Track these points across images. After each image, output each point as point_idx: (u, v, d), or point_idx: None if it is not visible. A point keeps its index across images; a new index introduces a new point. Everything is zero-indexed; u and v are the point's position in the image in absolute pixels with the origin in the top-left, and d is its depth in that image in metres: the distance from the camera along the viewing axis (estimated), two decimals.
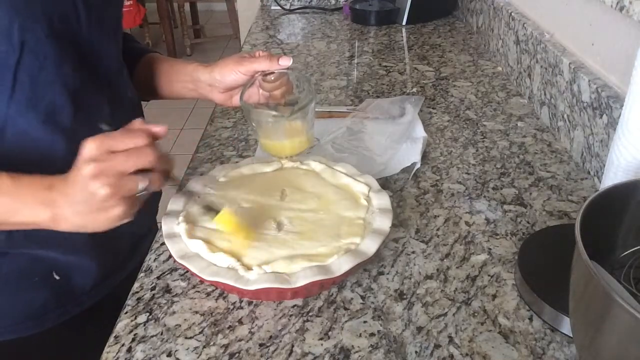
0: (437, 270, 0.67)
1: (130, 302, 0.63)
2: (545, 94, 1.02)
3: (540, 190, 0.82)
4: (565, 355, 0.56)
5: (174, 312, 0.61)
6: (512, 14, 1.21)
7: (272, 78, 0.72)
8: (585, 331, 0.45)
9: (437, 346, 0.57)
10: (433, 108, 1.09)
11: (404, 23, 1.63)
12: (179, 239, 0.64)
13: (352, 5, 1.68)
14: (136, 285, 0.65)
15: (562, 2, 1.02)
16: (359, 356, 0.56)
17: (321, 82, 1.22)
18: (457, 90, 1.17)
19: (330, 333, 0.58)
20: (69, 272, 0.70)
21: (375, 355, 0.56)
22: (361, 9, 1.66)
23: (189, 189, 0.71)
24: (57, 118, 0.62)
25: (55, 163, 0.63)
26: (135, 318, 0.61)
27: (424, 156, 0.91)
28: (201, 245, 0.62)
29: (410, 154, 0.89)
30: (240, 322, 0.60)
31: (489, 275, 0.66)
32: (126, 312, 0.61)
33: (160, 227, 0.67)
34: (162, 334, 0.59)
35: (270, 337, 0.58)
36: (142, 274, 0.67)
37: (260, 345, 0.57)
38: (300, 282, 0.58)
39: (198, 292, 0.64)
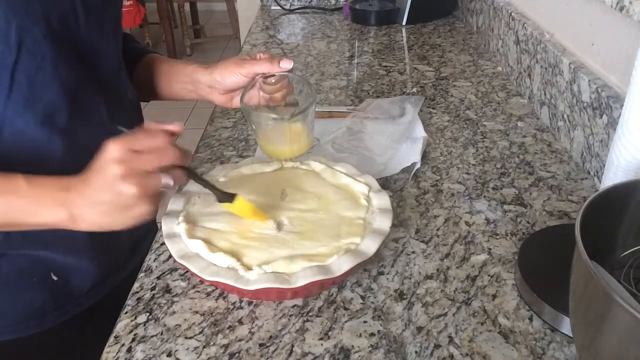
0: (437, 270, 0.67)
1: (130, 302, 0.63)
2: (545, 94, 1.02)
3: (540, 190, 0.82)
4: (565, 355, 0.56)
5: (174, 312, 0.61)
6: (512, 14, 1.21)
7: (273, 80, 0.72)
8: (585, 331, 0.45)
9: (437, 346, 0.57)
10: (433, 108, 1.09)
11: (404, 23, 1.63)
12: (179, 239, 0.64)
13: (352, 5, 1.68)
14: (136, 285, 0.65)
15: (562, 2, 1.02)
16: (359, 356, 0.56)
17: (321, 82, 1.22)
18: (457, 90, 1.17)
19: (330, 333, 0.58)
20: (68, 273, 0.70)
21: (375, 355, 0.56)
22: (361, 9, 1.66)
23: (189, 189, 0.71)
24: (55, 118, 0.62)
25: (52, 163, 0.63)
26: (135, 318, 0.61)
27: (424, 156, 0.91)
28: (201, 245, 0.62)
29: (410, 154, 0.89)
30: (240, 322, 0.60)
31: (489, 275, 0.66)
32: (126, 312, 0.61)
33: (160, 227, 0.67)
34: (162, 334, 0.59)
35: (270, 337, 0.58)
36: (142, 274, 0.67)
37: (260, 345, 0.57)
38: (300, 282, 0.58)
39: (198, 292, 0.64)
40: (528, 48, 1.11)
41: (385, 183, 0.83)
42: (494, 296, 0.63)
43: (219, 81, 0.75)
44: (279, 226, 0.66)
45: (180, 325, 0.59)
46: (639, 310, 0.36)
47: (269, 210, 0.69)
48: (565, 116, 0.93)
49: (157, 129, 0.56)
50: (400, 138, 0.92)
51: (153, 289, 0.65)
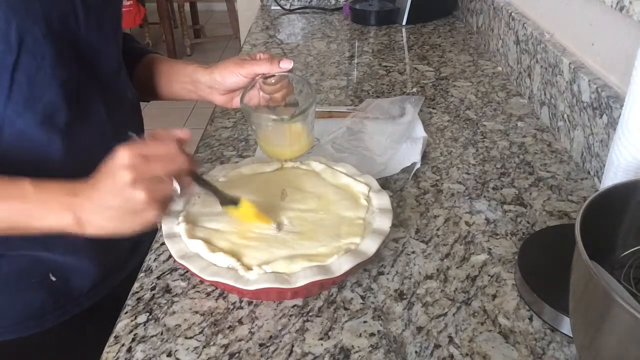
0: (437, 270, 0.67)
1: (130, 302, 0.63)
2: (545, 94, 1.02)
3: (540, 190, 0.82)
4: (565, 355, 0.56)
5: (174, 312, 0.61)
6: (512, 14, 1.21)
7: (273, 81, 0.72)
8: (585, 331, 0.45)
9: (437, 346, 0.57)
10: (433, 108, 1.09)
11: (404, 23, 1.63)
12: (179, 239, 0.64)
13: (352, 5, 1.68)
14: (136, 285, 0.65)
15: (562, 2, 1.02)
16: (359, 356, 0.56)
17: (321, 82, 1.22)
18: (457, 90, 1.17)
19: (330, 333, 0.58)
20: (67, 274, 0.70)
21: (375, 355, 0.56)
22: (361, 9, 1.66)
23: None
24: (55, 118, 0.62)
25: (52, 163, 0.63)
26: (135, 318, 0.61)
27: (424, 156, 0.91)
28: (201, 245, 0.62)
29: (410, 154, 0.89)
30: (240, 322, 0.60)
31: (489, 275, 0.66)
32: (126, 312, 0.61)
33: (160, 227, 0.67)
34: (162, 334, 0.59)
35: (270, 337, 0.58)
36: (142, 274, 0.67)
37: (260, 345, 0.57)
38: (300, 282, 0.58)
39: (198, 292, 0.64)
40: (528, 48, 1.11)
41: (385, 183, 0.83)
42: (494, 296, 0.63)
43: (219, 81, 0.75)
44: (279, 226, 0.66)
45: (180, 325, 0.59)
46: (639, 310, 0.36)
47: (269, 210, 0.69)
48: (565, 116, 0.93)
49: (166, 135, 0.57)
50: (400, 138, 0.92)
51: (153, 289, 0.65)
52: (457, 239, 0.72)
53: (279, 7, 1.81)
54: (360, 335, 0.58)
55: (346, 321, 0.60)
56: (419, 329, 0.59)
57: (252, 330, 0.59)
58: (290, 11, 1.80)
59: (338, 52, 1.42)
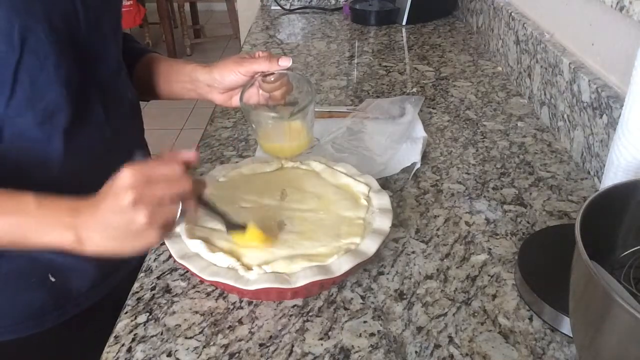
0: (437, 270, 0.67)
1: (130, 302, 0.63)
2: (545, 94, 1.02)
3: (540, 190, 0.82)
4: (565, 355, 0.56)
5: (174, 312, 0.61)
6: (512, 14, 1.21)
7: (272, 79, 0.72)
8: (585, 331, 0.45)
9: (437, 346, 0.57)
10: (433, 108, 1.09)
11: (404, 23, 1.63)
12: (179, 239, 0.64)
13: (352, 5, 1.68)
14: (136, 285, 0.65)
15: (562, 2, 1.02)
16: (359, 356, 0.56)
17: (321, 82, 1.22)
18: (457, 90, 1.17)
19: (330, 333, 0.58)
20: (67, 274, 0.70)
21: (375, 355, 0.56)
22: (361, 9, 1.66)
23: None
24: (55, 118, 0.62)
25: (52, 163, 0.63)
26: (135, 318, 0.61)
27: (424, 156, 0.91)
28: (201, 245, 0.62)
29: (410, 154, 0.89)
30: (240, 322, 0.60)
31: (489, 275, 0.66)
32: (126, 312, 0.61)
33: None
34: (162, 334, 0.59)
35: (270, 337, 0.58)
36: (142, 274, 0.67)
37: (260, 345, 0.57)
38: (300, 282, 0.58)
39: (198, 292, 0.64)
40: (528, 48, 1.11)
41: (385, 183, 0.83)
42: (494, 296, 0.63)
43: (218, 80, 0.75)
44: (279, 226, 0.66)
45: (180, 325, 0.59)
46: (639, 310, 0.36)
47: (268, 210, 0.69)
48: (565, 116, 0.93)
49: (172, 157, 0.56)
50: (400, 138, 0.92)
51: (153, 289, 0.65)
52: (457, 239, 0.72)
53: (279, 7, 1.81)
54: (360, 335, 0.58)
55: (346, 321, 0.60)
56: (419, 329, 0.59)
57: (252, 330, 0.59)
58: (290, 11, 1.80)
59: (338, 52, 1.42)
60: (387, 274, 0.66)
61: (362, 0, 1.71)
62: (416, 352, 0.56)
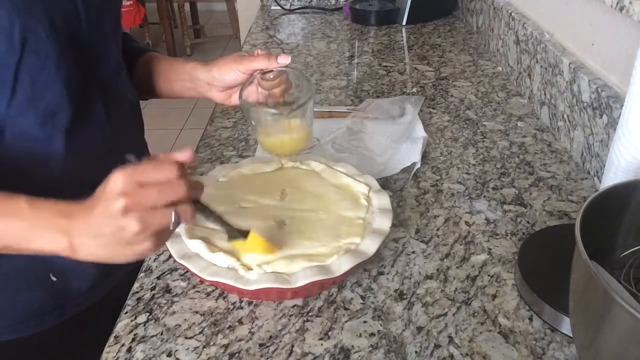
0: (437, 270, 0.67)
1: (130, 302, 0.63)
2: (545, 94, 1.02)
3: (540, 190, 0.82)
4: (565, 355, 0.56)
5: (174, 312, 0.61)
6: (512, 14, 1.21)
7: (271, 76, 0.72)
8: (585, 331, 0.45)
9: (437, 346, 0.57)
10: (433, 108, 1.09)
11: (404, 23, 1.63)
12: (179, 239, 0.64)
13: (352, 5, 1.68)
14: (136, 285, 0.65)
15: (562, 2, 1.02)
16: (359, 356, 0.56)
17: (321, 82, 1.22)
18: (457, 90, 1.17)
19: (330, 333, 0.58)
20: (67, 274, 0.70)
21: (375, 355, 0.56)
22: (361, 9, 1.66)
23: None
24: (56, 118, 0.62)
25: (53, 162, 0.63)
26: (135, 318, 0.61)
27: (424, 156, 0.91)
28: (201, 245, 0.62)
29: (410, 154, 0.89)
30: (240, 322, 0.60)
31: (489, 275, 0.66)
32: (126, 312, 0.61)
33: None
34: (162, 334, 0.59)
35: (270, 337, 0.58)
36: (142, 274, 0.67)
37: (260, 345, 0.57)
38: (300, 282, 0.58)
39: (198, 292, 0.64)
40: (528, 48, 1.11)
41: (385, 183, 0.83)
42: (494, 296, 0.63)
43: (217, 78, 0.75)
44: (279, 226, 0.66)
45: (180, 325, 0.59)
46: (639, 310, 0.36)
47: (268, 210, 0.69)
48: (565, 116, 0.93)
49: (166, 159, 0.52)
50: (400, 138, 0.92)
51: (153, 289, 0.65)
52: (457, 239, 0.72)
53: (279, 7, 1.81)
54: (360, 335, 0.58)
55: (346, 321, 0.60)
56: (419, 329, 0.59)
57: (252, 330, 0.59)
58: (290, 11, 1.80)
59: (338, 52, 1.42)
60: (387, 274, 0.66)
61: (362, 0, 1.71)
62: (416, 352, 0.56)
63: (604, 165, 0.68)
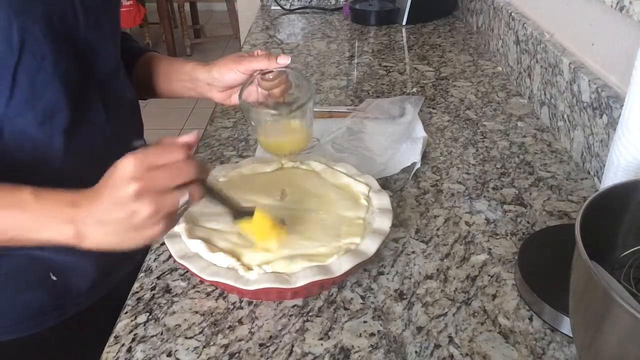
0: (437, 270, 0.67)
1: (130, 302, 0.63)
2: (545, 94, 1.02)
3: (540, 190, 0.82)
4: (565, 355, 0.56)
5: (174, 312, 0.61)
6: (512, 14, 1.21)
7: (271, 77, 0.72)
8: (585, 331, 0.45)
9: (437, 346, 0.57)
10: (433, 108, 1.09)
11: (404, 23, 1.63)
12: (179, 239, 0.64)
13: (352, 5, 1.68)
14: (136, 285, 0.65)
15: (562, 2, 1.02)
16: (359, 356, 0.56)
17: (321, 82, 1.22)
18: (457, 90, 1.17)
19: (330, 333, 0.58)
20: (66, 273, 0.70)
21: (375, 355, 0.56)
22: (361, 9, 1.66)
23: None
24: (55, 118, 0.62)
25: (52, 162, 0.63)
26: (135, 318, 0.61)
27: (424, 156, 0.91)
28: (201, 245, 0.62)
29: (410, 154, 0.89)
30: (240, 322, 0.60)
31: (489, 275, 0.66)
32: (126, 312, 0.61)
33: None
34: (162, 334, 0.59)
35: (270, 337, 0.58)
36: (142, 274, 0.67)
37: (260, 345, 0.57)
38: (300, 282, 0.58)
39: (198, 292, 0.64)
40: (528, 48, 1.11)
41: (385, 183, 0.83)
42: (494, 296, 0.63)
43: (217, 78, 0.75)
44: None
45: (180, 325, 0.59)
46: (639, 310, 0.36)
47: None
48: (565, 116, 0.93)
49: (173, 142, 0.53)
50: (400, 138, 0.92)
51: (153, 289, 0.65)
52: (457, 239, 0.72)
53: (279, 7, 1.81)
54: (360, 335, 0.58)
55: (346, 321, 0.60)
56: (419, 329, 0.59)
57: (252, 330, 0.59)
58: (290, 11, 1.80)
59: (338, 52, 1.42)
60: (387, 274, 0.66)
61: (362, 0, 1.71)
62: (416, 352, 0.56)
63: (604, 165, 0.68)
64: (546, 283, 0.61)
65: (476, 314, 0.61)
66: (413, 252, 0.70)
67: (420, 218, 0.76)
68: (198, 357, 0.56)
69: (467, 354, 0.56)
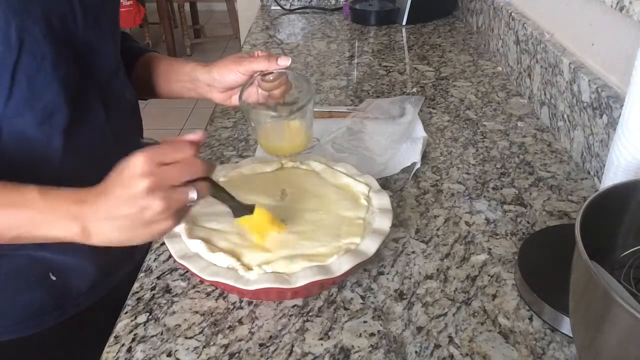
0: (437, 270, 0.67)
1: (130, 302, 0.63)
2: (545, 94, 1.02)
3: (540, 190, 0.82)
4: (565, 355, 0.56)
5: (174, 312, 0.61)
6: (512, 14, 1.21)
7: (271, 78, 0.72)
8: (585, 331, 0.45)
9: (437, 346, 0.57)
10: (433, 108, 1.09)
11: (404, 23, 1.63)
12: (179, 239, 0.64)
13: (352, 5, 1.68)
14: (136, 285, 0.65)
15: (562, 2, 1.02)
16: (359, 356, 0.56)
17: (321, 82, 1.22)
18: (457, 90, 1.17)
19: (330, 333, 0.58)
20: (67, 273, 0.70)
21: (375, 355, 0.56)
22: (361, 9, 1.66)
23: None
24: (54, 118, 0.62)
25: (51, 162, 0.63)
26: (135, 318, 0.61)
27: (424, 156, 0.91)
28: (201, 245, 0.62)
29: (410, 154, 0.89)
30: (240, 322, 0.60)
31: (489, 275, 0.66)
32: (126, 312, 0.61)
33: None
34: (162, 334, 0.59)
35: (270, 337, 0.58)
36: (142, 274, 0.67)
37: (260, 345, 0.57)
38: (300, 282, 0.58)
39: (198, 292, 0.64)
40: (528, 48, 1.11)
41: (385, 183, 0.83)
42: (494, 296, 0.63)
43: (217, 79, 0.75)
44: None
45: (180, 325, 0.59)
46: (639, 310, 0.36)
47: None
48: (565, 116, 0.93)
49: (181, 140, 0.55)
50: (400, 138, 0.92)
51: (153, 289, 0.65)
52: (457, 239, 0.72)
53: (279, 7, 1.81)
54: (360, 335, 0.58)
55: (346, 321, 0.60)
56: (419, 329, 0.59)
57: (252, 330, 0.59)
58: (290, 11, 1.80)
59: (338, 52, 1.42)
60: (387, 274, 0.66)
61: (362, 0, 1.71)
62: (416, 352, 0.56)
63: (604, 165, 0.68)
64: (546, 283, 0.61)
65: (476, 314, 0.61)
66: (413, 252, 0.70)
67: (420, 218, 0.76)
68: (198, 357, 0.56)
69: (467, 354, 0.56)
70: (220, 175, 0.76)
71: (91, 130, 0.68)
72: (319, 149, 0.90)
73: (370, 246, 0.63)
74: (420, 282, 0.65)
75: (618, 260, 0.52)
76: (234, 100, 0.77)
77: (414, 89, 1.18)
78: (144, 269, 0.68)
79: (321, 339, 0.58)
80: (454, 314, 0.61)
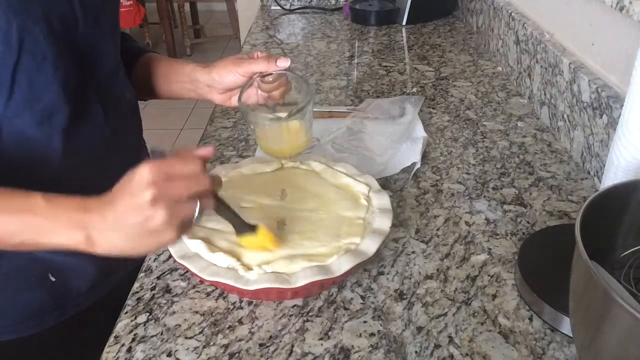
0: (437, 270, 0.67)
1: (130, 302, 0.63)
2: (545, 94, 1.02)
3: (540, 190, 0.82)
4: (565, 355, 0.56)
5: (174, 312, 0.61)
6: (512, 14, 1.21)
7: (271, 79, 0.72)
8: (585, 331, 0.45)
9: (437, 346, 0.57)
10: (433, 108, 1.09)
11: (404, 23, 1.63)
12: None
13: (352, 5, 1.68)
14: (136, 285, 0.65)
15: (562, 2, 1.02)
16: (359, 356, 0.56)
17: (321, 82, 1.22)
18: (457, 90, 1.17)
19: (330, 333, 0.58)
20: (66, 274, 0.70)
21: (375, 355, 0.56)
22: (361, 9, 1.66)
23: None
24: (54, 118, 0.62)
25: (51, 162, 0.63)
26: (135, 318, 0.61)
27: (424, 156, 0.91)
28: (201, 245, 0.62)
29: (410, 154, 0.89)
30: (240, 322, 0.60)
31: (489, 275, 0.66)
32: (126, 312, 0.61)
33: None
34: (162, 334, 0.59)
35: (270, 337, 0.58)
36: (142, 274, 0.67)
37: (260, 345, 0.57)
38: (300, 282, 0.58)
39: (198, 292, 0.64)
40: (528, 48, 1.11)
41: (385, 183, 0.83)
42: (494, 296, 0.63)
43: (217, 80, 0.75)
44: (279, 226, 0.66)
45: (180, 325, 0.59)
46: (639, 310, 0.36)
47: (268, 210, 0.69)
48: (565, 116, 0.93)
49: (190, 153, 0.55)
50: (400, 138, 0.92)
51: (153, 289, 0.65)
52: (457, 239, 0.72)
53: (279, 7, 1.81)
54: (360, 335, 0.58)
55: (346, 321, 0.60)
56: (419, 329, 0.59)
57: (252, 330, 0.59)
58: (290, 11, 1.80)
59: (338, 52, 1.42)
60: (387, 274, 0.66)
61: (362, 0, 1.71)
62: (416, 352, 0.56)
63: (604, 165, 0.68)
64: (546, 283, 0.61)
65: (476, 314, 0.61)
66: (413, 252, 0.70)
67: (420, 218, 0.76)
68: (198, 357, 0.56)
69: (467, 354, 0.56)
70: (221, 175, 0.76)
71: (91, 130, 0.68)
72: (319, 149, 0.90)
73: (370, 246, 0.63)
74: (420, 282, 0.65)
75: (618, 260, 0.52)
76: (234, 101, 0.77)
77: (414, 89, 1.18)
78: (144, 269, 0.68)
79: (321, 339, 0.58)
80: (454, 314, 0.61)
